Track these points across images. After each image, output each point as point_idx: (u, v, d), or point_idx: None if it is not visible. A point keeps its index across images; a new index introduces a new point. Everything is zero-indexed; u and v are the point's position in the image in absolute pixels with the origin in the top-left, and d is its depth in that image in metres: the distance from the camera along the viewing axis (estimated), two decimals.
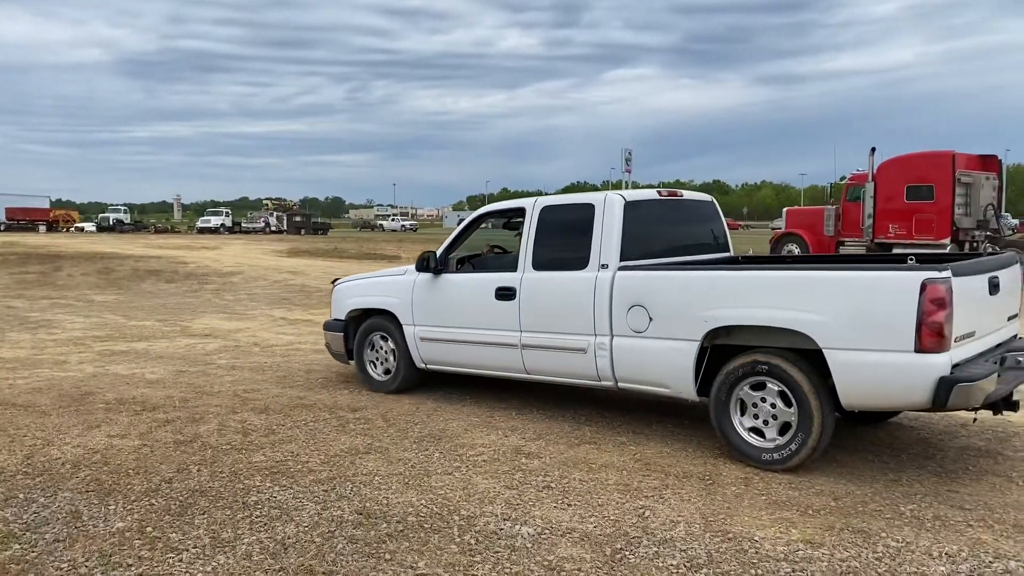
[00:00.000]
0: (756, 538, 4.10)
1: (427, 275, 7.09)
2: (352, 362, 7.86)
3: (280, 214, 66.87)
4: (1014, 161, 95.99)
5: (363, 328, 7.69)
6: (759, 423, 5.23)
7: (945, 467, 5.25)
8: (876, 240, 20.37)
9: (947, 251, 18.96)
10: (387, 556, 3.95)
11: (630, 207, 6.08)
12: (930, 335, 4.54)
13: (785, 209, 25.89)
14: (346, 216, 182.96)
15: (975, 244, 19.99)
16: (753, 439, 5.24)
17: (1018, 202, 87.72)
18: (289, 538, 4.17)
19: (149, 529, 4.29)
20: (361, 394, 7.48)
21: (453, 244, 7.17)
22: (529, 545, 4.05)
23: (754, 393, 5.23)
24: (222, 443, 5.83)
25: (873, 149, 20.38)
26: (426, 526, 4.31)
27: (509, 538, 4.14)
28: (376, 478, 5.06)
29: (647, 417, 6.50)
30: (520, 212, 6.74)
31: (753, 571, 3.74)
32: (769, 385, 5.15)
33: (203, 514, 4.50)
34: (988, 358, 5.03)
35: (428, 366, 7.23)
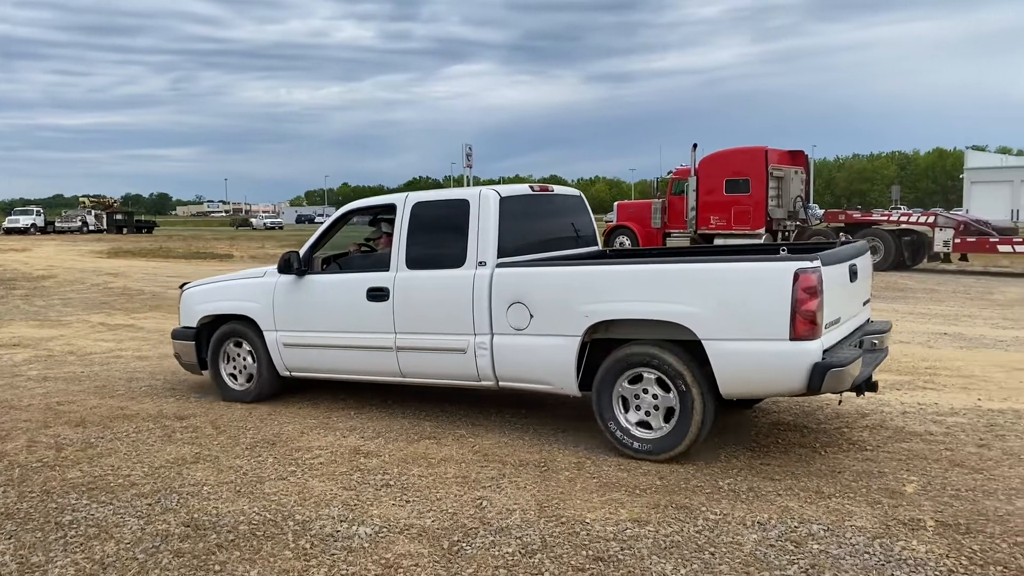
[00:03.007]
0: (587, 520, 4.26)
1: (289, 277, 6.68)
2: (205, 372, 7.33)
3: (99, 212, 62.33)
4: (820, 156, 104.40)
5: (217, 335, 7.17)
6: (641, 415, 5.25)
7: (759, 442, 5.66)
8: (699, 231, 21.62)
9: (762, 240, 20.41)
10: (216, 568, 3.80)
11: (505, 202, 5.95)
12: (803, 323, 4.65)
13: (616, 203, 26.96)
14: (173, 213, 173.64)
15: (787, 234, 21.62)
16: (637, 431, 5.25)
17: (824, 194, 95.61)
18: (108, 557, 3.92)
19: None
20: (189, 401, 7.13)
21: (317, 243, 6.73)
22: (366, 545, 4.02)
23: (634, 386, 5.25)
24: (32, 460, 5.40)
25: (695, 145, 21.60)
26: (259, 534, 4.18)
27: (346, 539, 4.09)
28: (205, 488, 4.85)
29: (486, 410, 6.59)
30: (390, 208, 6.47)
31: (584, 552, 3.89)
32: (649, 376, 5.18)
33: (9, 539, 4.15)
34: (850, 342, 5.28)
35: (293, 374, 6.85)
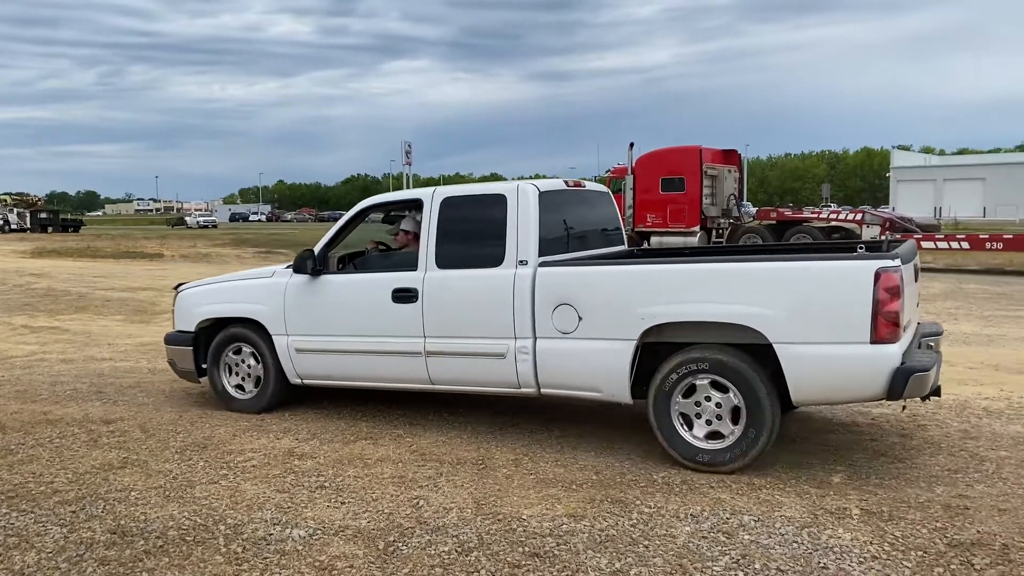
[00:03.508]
0: (524, 516, 4.27)
1: (302, 277, 6.18)
2: (204, 380, 6.83)
3: (22, 211, 60.01)
4: (753, 155, 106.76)
5: (219, 340, 6.64)
6: (703, 423, 4.93)
7: None
8: (636, 229, 21.90)
9: (697, 239, 20.77)
10: (144, 575, 3.70)
11: (543, 197, 5.62)
12: (886, 325, 4.42)
13: None
14: (103, 212, 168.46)
15: (720, 231, 22.07)
16: (694, 440, 4.93)
17: (758, 192, 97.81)
18: (29, 567, 3.78)
19: None
20: (116, 405, 6.92)
21: (333, 241, 6.23)
22: (300, 548, 3.96)
23: (695, 394, 4.92)
24: None
25: (632, 144, 21.86)
26: (188, 539, 4.08)
27: (279, 543, 4.02)
28: (132, 493, 4.72)
29: (424, 409, 6.56)
30: (414, 204, 6.10)
31: (521, 549, 3.90)
32: (714, 382, 4.85)
33: None
34: (917, 344, 5.07)
35: (304, 381, 6.36)
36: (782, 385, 4.73)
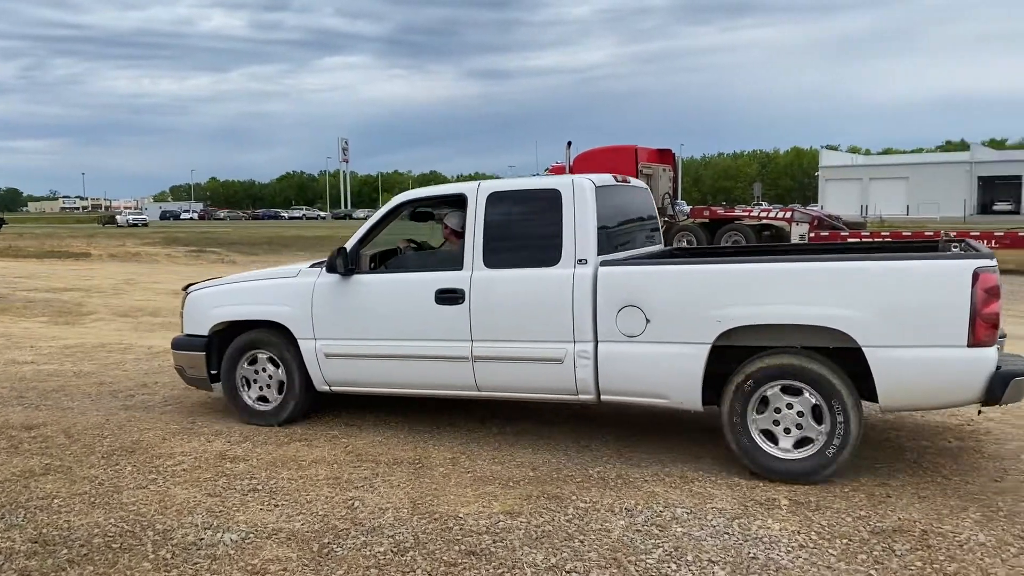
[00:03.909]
0: (461, 515, 4.27)
1: (333, 277, 5.76)
2: (216, 387, 6.29)
3: None
4: (688, 154, 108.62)
5: (237, 345, 6.13)
6: (780, 431, 4.71)
7: (626, 430, 5.82)
8: None
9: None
10: None
11: (600, 193, 5.35)
12: (984, 328, 4.26)
13: None
14: (24, 210, 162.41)
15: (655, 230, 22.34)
16: (773, 449, 4.70)
17: (692, 191, 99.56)
18: None
19: None
20: (39, 410, 6.68)
21: (365, 239, 5.83)
22: (232, 552, 3.88)
23: (776, 399, 4.70)
24: None
25: (569, 143, 21.97)
26: (115, 546, 3.96)
27: (210, 547, 3.94)
28: (56, 501, 4.56)
29: (361, 410, 6.49)
30: (456, 200, 5.75)
31: (457, 547, 3.90)
32: (796, 388, 4.64)
33: None
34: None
35: (333, 388, 5.96)
36: (860, 390, 4.59)
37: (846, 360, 4.58)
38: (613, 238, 5.56)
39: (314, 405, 6.25)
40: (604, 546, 3.88)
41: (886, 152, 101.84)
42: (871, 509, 4.26)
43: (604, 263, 5.13)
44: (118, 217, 75.57)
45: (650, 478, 4.81)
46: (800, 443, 4.68)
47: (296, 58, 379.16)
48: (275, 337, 6.04)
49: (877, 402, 4.59)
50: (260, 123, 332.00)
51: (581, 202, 5.23)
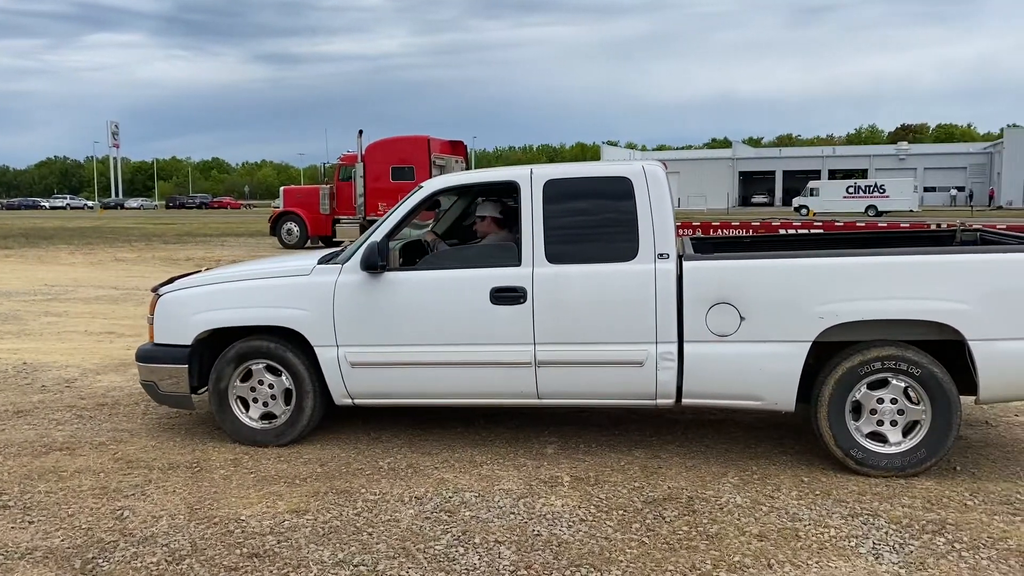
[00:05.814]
0: (243, 517, 4.09)
1: (359, 275, 5.04)
2: (195, 404, 5.44)
3: None
4: (480, 147, 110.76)
5: (231, 355, 5.24)
6: (876, 427, 4.61)
7: (416, 421, 5.82)
8: (368, 217, 21.80)
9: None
10: None
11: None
12: None
13: (282, 188, 26.27)
14: None
15: None
16: (871, 444, 4.59)
17: None
18: None
19: None
20: None
21: (394, 231, 5.18)
22: None
23: (873, 393, 4.59)
24: None
25: (361, 132, 21.67)
26: None
27: None
28: None
29: (131, 414, 6.04)
30: (509, 188, 5.18)
31: (239, 550, 3.73)
32: (894, 383, 4.54)
33: None
34: None
35: (356, 401, 5.21)
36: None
37: (942, 354, 4.60)
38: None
39: (323, 421, 5.56)
40: (393, 536, 3.86)
41: (660, 148, 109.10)
42: (644, 480, 4.56)
43: (689, 257, 4.83)
44: None
45: (440, 465, 4.85)
46: (907, 430, 4.62)
47: (58, 32, 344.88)
48: (282, 346, 5.22)
49: (974, 394, 4.59)
50: (15, 103, 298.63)
51: (656, 191, 4.87)
